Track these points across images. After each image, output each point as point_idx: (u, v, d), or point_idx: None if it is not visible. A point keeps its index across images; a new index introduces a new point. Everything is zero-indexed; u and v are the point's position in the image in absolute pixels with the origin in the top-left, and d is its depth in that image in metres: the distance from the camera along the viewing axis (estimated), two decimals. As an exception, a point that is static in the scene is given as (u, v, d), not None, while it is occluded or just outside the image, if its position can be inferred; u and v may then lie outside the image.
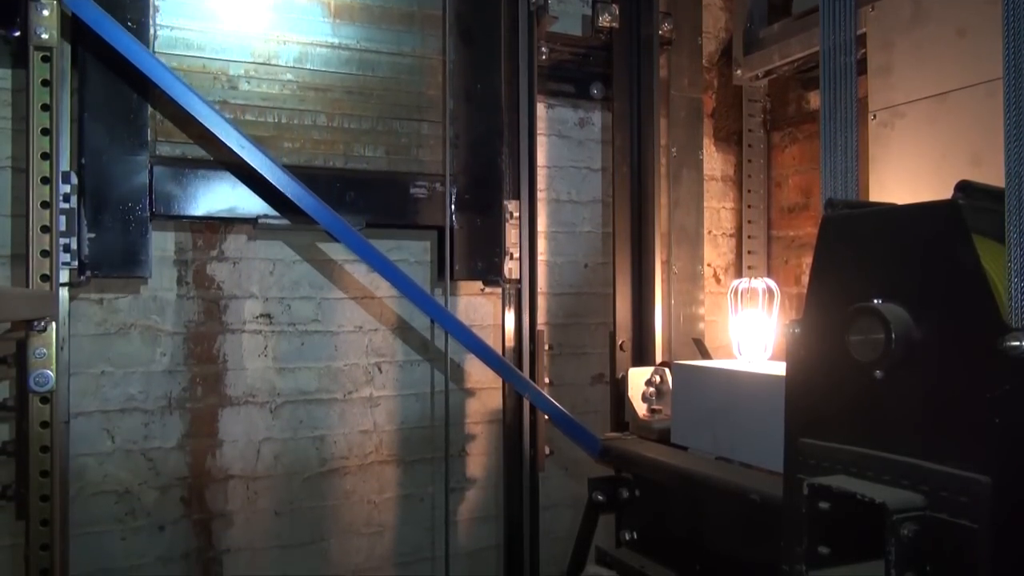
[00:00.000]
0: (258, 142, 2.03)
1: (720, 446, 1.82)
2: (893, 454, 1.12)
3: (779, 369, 1.52)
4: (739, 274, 2.92)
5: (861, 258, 1.21)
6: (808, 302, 1.27)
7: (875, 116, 2.09)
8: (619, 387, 2.37)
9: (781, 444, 1.30)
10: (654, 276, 2.53)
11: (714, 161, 2.90)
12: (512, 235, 2.36)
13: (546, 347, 2.46)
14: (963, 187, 1.15)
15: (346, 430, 2.37)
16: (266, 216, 2.12)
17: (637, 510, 2.00)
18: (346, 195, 2.17)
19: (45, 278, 1.79)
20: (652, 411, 2.18)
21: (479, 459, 2.54)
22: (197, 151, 2.08)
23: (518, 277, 2.35)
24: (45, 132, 1.84)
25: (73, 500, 2.04)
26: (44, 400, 1.84)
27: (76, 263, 1.90)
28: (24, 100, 1.86)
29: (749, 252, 2.82)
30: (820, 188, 1.47)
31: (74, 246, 1.83)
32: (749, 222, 2.83)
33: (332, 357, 2.36)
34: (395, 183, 2.26)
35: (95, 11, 1.87)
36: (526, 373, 2.33)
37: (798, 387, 1.29)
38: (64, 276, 1.88)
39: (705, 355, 2.40)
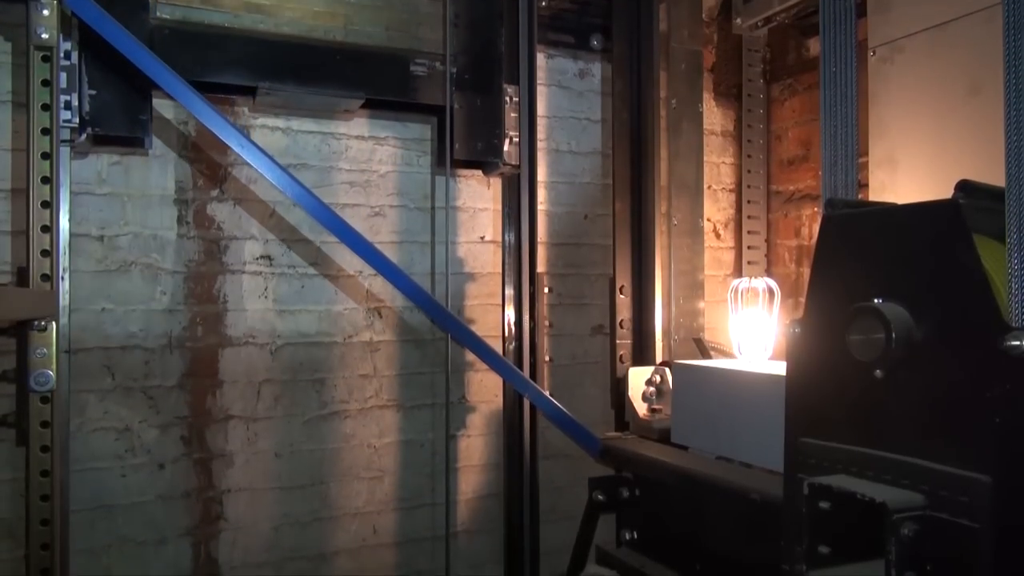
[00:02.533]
0: (257, 9, 2.05)
1: (720, 446, 1.83)
2: (893, 453, 1.12)
3: (779, 369, 1.52)
4: (739, 229, 2.93)
5: (861, 258, 1.21)
6: (808, 302, 1.27)
7: (874, 53, 2.09)
8: (619, 387, 2.37)
9: (781, 444, 1.30)
10: (654, 227, 2.53)
11: (714, 116, 2.90)
12: (512, 119, 2.36)
13: (546, 290, 2.47)
14: (963, 187, 1.15)
15: (346, 374, 2.37)
16: (268, 86, 2.10)
17: (637, 510, 2.00)
18: (346, 68, 2.18)
19: (46, 132, 1.80)
20: (652, 411, 2.18)
21: (480, 406, 2.54)
22: (198, 15, 2.08)
23: (517, 163, 2.35)
24: (45, 132, 1.83)
25: (73, 435, 2.05)
26: (44, 400, 1.84)
27: (76, 120, 1.90)
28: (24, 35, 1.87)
29: (749, 202, 2.82)
30: (820, 137, 1.47)
31: (75, 102, 1.83)
32: (748, 172, 2.83)
33: (332, 301, 2.36)
34: (395, 59, 2.27)
35: (95, 11, 1.85)
36: (526, 311, 2.33)
37: (798, 387, 1.29)
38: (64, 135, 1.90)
39: (705, 354, 2.41)
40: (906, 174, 2.01)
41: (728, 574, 1.72)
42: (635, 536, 2.00)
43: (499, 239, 2.55)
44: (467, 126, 2.34)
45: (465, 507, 2.53)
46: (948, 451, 1.06)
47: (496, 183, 2.57)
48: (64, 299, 1.95)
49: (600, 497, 2.02)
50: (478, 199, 2.55)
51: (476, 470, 2.54)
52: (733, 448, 1.78)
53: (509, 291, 2.45)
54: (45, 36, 1.81)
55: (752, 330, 2.01)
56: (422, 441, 2.47)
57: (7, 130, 2.01)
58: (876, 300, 1.15)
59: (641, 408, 2.20)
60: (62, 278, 1.91)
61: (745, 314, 2.02)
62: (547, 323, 2.49)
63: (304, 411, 2.32)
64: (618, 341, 2.46)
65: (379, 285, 2.41)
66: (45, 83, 1.83)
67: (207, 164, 2.21)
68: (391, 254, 2.42)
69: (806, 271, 2.74)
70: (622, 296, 2.46)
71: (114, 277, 2.13)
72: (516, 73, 2.37)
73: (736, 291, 2.05)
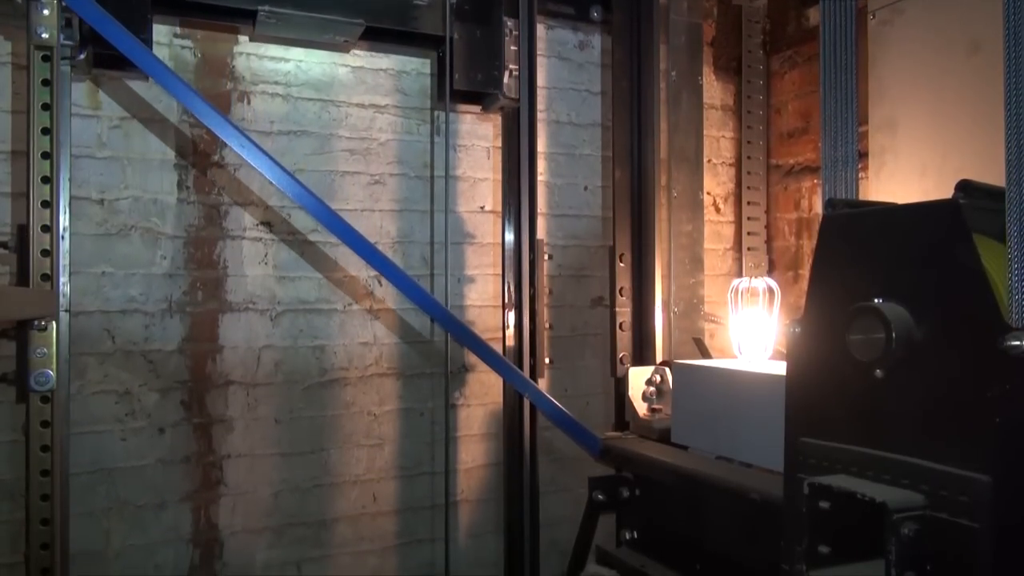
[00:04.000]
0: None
1: (720, 445, 1.83)
2: (893, 453, 1.13)
3: (779, 369, 1.53)
4: (738, 203, 2.93)
5: (861, 258, 1.22)
6: (808, 302, 1.28)
7: (874, 16, 2.10)
8: (620, 387, 2.38)
9: (781, 443, 1.31)
10: (654, 198, 2.54)
11: (714, 90, 2.90)
12: (512, 52, 2.36)
13: (546, 257, 2.47)
14: (963, 186, 1.16)
15: (346, 341, 2.37)
16: (268, 9, 2.10)
17: (637, 509, 2.01)
18: (347, -6, 2.18)
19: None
20: (652, 410, 2.19)
21: (479, 376, 2.54)
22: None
23: (517, 96, 2.34)
24: (46, 131, 1.85)
25: (73, 398, 2.05)
26: (44, 400, 1.85)
27: (77, 37, 1.89)
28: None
29: (749, 173, 2.83)
30: (820, 109, 1.47)
31: (75, 20, 1.83)
32: (748, 143, 2.83)
33: (332, 268, 2.36)
34: (395, -14, 2.27)
35: (95, 11, 1.85)
36: (526, 278, 2.33)
37: (798, 387, 1.30)
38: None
39: (705, 354, 2.41)
40: (906, 136, 2.02)
41: (728, 574, 1.72)
42: (635, 536, 2.01)
43: (499, 209, 2.55)
44: (467, 57, 2.33)
45: (465, 476, 2.53)
46: (948, 451, 1.06)
47: (496, 154, 2.57)
48: (64, 259, 1.95)
49: (600, 497, 2.03)
50: (478, 169, 2.55)
51: (476, 439, 2.54)
52: (733, 448, 1.79)
53: (509, 258, 2.45)
54: (45, 36, 1.81)
55: (752, 330, 2.01)
56: (422, 410, 2.47)
57: (7, 92, 2.02)
58: (876, 300, 1.16)
59: (641, 408, 2.21)
60: (62, 237, 1.91)
61: (745, 314, 2.02)
62: (547, 290, 2.49)
63: (304, 378, 2.32)
64: (617, 309, 2.46)
65: (379, 253, 2.41)
66: (45, 83, 1.84)
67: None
68: (391, 222, 2.43)
69: (806, 243, 2.74)
70: (622, 264, 2.46)
71: (114, 241, 2.13)
72: (516, 6, 2.37)
73: (736, 291, 2.05)
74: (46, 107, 1.85)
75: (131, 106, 2.14)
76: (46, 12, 1.81)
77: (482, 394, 2.55)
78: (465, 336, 2.24)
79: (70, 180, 2.00)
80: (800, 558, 1.18)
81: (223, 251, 2.24)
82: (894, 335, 1.11)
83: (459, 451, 2.52)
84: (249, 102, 2.27)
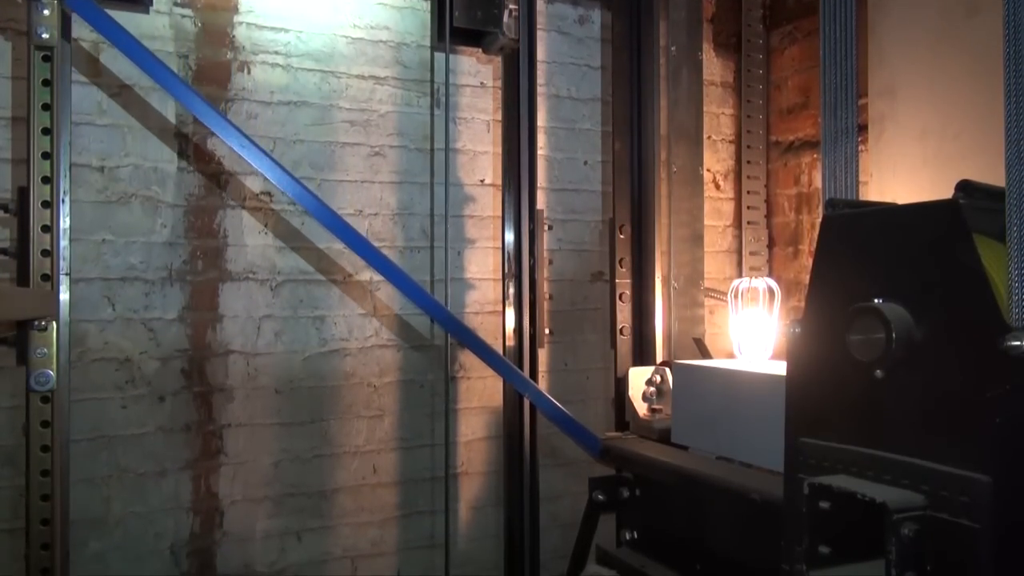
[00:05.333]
0: None
1: (720, 446, 1.83)
2: (893, 454, 1.13)
3: (779, 369, 1.53)
4: (738, 180, 2.93)
5: (861, 258, 1.21)
6: (808, 302, 1.28)
7: (874, -17, 2.10)
8: (620, 387, 2.38)
9: (781, 444, 1.31)
10: (654, 172, 2.53)
11: (713, 67, 2.90)
12: None
13: (545, 227, 2.47)
14: (964, 186, 1.16)
15: (346, 312, 2.38)
16: None
17: (637, 509, 2.01)
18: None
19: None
20: (653, 411, 2.20)
21: (479, 348, 2.54)
22: None
23: (516, 36, 2.34)
24: (46, 132, 1.86)
25: (74, 366, 2.04)
26: (44, 400, 1.86)
27: None
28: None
29: (748, 147, 2.83)
30: (819, 82, 1.47)
31: None
32: (748, 116, 2.83)
33: (331, 239, 2.35)
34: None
35: (95, 11, 1.85)
36: (526, 249, 2.33)
37: (798, 387, 1.29)
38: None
39: (705, 354, 2.41)
40: (906, 101, 2.02)
41: (728, 574, 1.72)
42: (635, 536, 2.01)
43: (499, 182, 2.55)
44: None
45: (465, 448, 2.53)
46: (948, 451, 1.06)
47: (496, 128, 2.57)
48: (64, 224, 1.95)
49: (600, 497, 2.03)
50: (478, 142, 2.55)
51: (476, 412, 2.55)
52: (733, 448, 1.79)
53: (509, 230, 2.44)
54: (45, 36, 1.81)
55: (752, 330, 2.01)
56: (422, 382, 2.47)
57: (7, 57, 2.02)
58: (876, 300, 1.15)
59: (641, 408, 2.21)
60: (63, 202, 1.91)
61: (745, 314, 2.03)
62: (548, 261, 2.49)
63: (304, 348, 2.33)
64: (617, 281, 2.46)
65: (379, 224, 2.42)
66: (46, 83, 1.84)
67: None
68: (390, 194, 2.44)
69: (805, 219, 2.74)
70: (621, 236, 2.46)
71: (114, 208, 2.13)
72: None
73: (736, 291, 2.05)
74: (46, 107, 1.86)
75: (131, 74, 2.14)
76: (46, 12, 1.82)
77: (482, 367, 2.53)
78: (466, 336, 2.25)
79: (70, 146, 2.00)
80: (800, 558, 1.18)
81: (223, 220, 2.24)
82: (894, 335, 1.11)
83: (459, 423, 2.52)
84: (249, 72, 2.27)
